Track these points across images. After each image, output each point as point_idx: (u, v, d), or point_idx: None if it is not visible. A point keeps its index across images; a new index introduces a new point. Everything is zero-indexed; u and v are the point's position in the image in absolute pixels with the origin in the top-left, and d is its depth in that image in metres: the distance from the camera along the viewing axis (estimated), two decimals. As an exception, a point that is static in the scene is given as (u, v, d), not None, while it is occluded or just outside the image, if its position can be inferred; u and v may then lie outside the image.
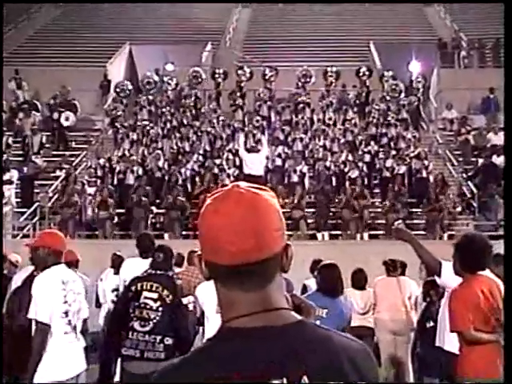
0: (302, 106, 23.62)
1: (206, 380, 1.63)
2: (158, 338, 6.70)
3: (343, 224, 18.59)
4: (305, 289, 10.30)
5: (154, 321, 6.74)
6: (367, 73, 24.81)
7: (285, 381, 1.64)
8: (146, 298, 6.81)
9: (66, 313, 5.87)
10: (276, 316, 1.71)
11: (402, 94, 24.03)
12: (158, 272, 6.98)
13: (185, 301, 6.87)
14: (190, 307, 6.97)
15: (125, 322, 6.81)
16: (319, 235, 18.61)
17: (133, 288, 6.92)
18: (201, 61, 28.42)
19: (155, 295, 6.80)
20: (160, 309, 6.76)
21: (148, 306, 6.77)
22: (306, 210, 18.77)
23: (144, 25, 33.13)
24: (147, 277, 7.00)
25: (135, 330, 6.75)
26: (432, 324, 8.25)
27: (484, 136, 22.77)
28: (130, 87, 24.79)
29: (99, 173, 20.35)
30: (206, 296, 7.14)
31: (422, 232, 18.03)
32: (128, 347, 6.74)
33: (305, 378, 1.65)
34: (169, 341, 6.69)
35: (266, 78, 24.77)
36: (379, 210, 19.39)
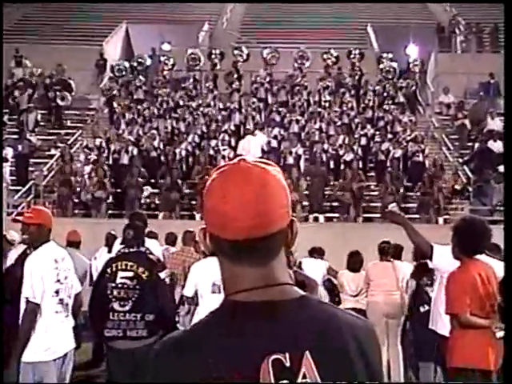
0: (298, 88, 23.54)
1: (202, 373, 1.61)
2: (139, 315, 6.69)
3: (343, 207, 18.57)
4: (300, 267, 10.32)
5: (133, 299, 6.72)
6: (358, 56, 24.70)
7: (287, 356, 1.63)
8: (122, 277, 6.78)
9: (58, 291, 5.87)
10: (279, 291, 1.70)
11: (397, 76, 23.95)
12: (132, 250, 6.95)
13: (162, 275, 6.84)
14: (168, 281, 6.94)
15: (104, 305, 6.80)
16: (314, 217, 18.62)
17: (108, 270, 6.89)
18: (198, 41, 28.30)
19: (131, 274, 6.78)
20: (137, 287, 6.74)
21: (125, 286, 6.75)
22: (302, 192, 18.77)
23: (141, 4, 32.95)
24: (121, 256, 6.96)
25: (115, 311, 6.74)
26: (427, 308, 8.27)
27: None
28: (127, 66, 24.67)
29: (94, 152, 20.30)
30: (201, 275, 7.13)
31: (417, 215, 18.06)
32: (110, 328, 6.74)
33: (307, 354, 1.64)
34: (149, 317, 6.68)
35: (267, 60, 24.60)
36: (375, 193, 19.41)
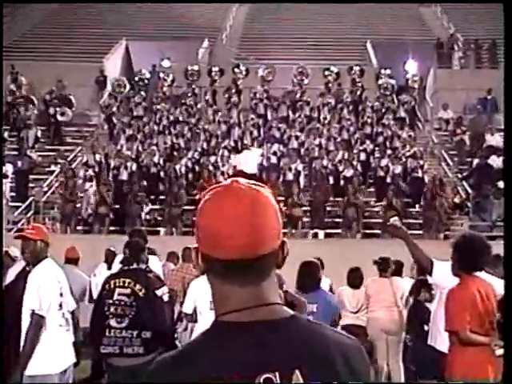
0: (300, 103, 23.62)
1: (201, 380, 1.64)
2: (135, 332, 6.70)
3: (346, 223, 18.51)
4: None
5: (130, 316, 6.75)
6: (358, 72, 24.83)
7: (277, 375, 1.65)
8: (119, 294, 6.83)
9: (61, 305, 5.92)
10: (269, 311, 1.73)
11: (395, 92, 24.03)
12: (131, 267, 7.01)
13: (159, 292, 6.85)
14: (165, 298, 6.94)
15: (102, 321, 6.83)
16: (314, 233, 18.60)
17: (107, 286, 6.96)
18: (197, 57, 28.39)
19: (128, 291, 6.82)
20: (134, 304, 6.77)
21: (122, 303, 6.79)
22: (303, 208, 18.78)
23: (141, 21, 33.08)
24: (120, 273, 7.06)
25: (112, 328, 6.77)
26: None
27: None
28: (126, 82, 24.74)
29: (95, 168, 20.30)
30: (200, 292, 7.12)
31: (418, 231, 18.05)
32: (106, 345, 6.76)
33: (297, 373, 1.66)
34: (146, 334, 6.69)
35: (264, 76, 24.71)
36: (375, 209, 19.41)
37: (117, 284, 6.88)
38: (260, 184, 1.80)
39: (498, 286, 5.51)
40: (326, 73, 24.66)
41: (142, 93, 24.52)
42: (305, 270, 7.75)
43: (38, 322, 5.71)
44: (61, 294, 5.96)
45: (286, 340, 1.69)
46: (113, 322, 6.78)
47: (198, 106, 24.24)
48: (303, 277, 7.70)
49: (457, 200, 19.20)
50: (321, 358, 1.69)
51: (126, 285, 6.85)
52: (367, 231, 18.74)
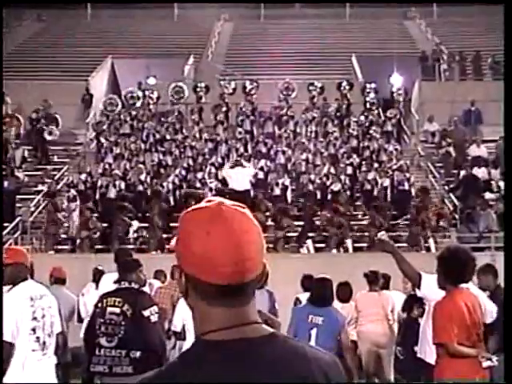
0: (285, 118, 23.69)
1: None
2: (124, 352, 6.71)
3: (333, 238, 18.50)
4: (297, 302, 10.32)
5: (119, 335, 6.77)
6: (347, 87, 24.98)
7: None
8: (110, 313, 6.86)
9: (34, 329, 5.81)
10: (252, 329, 1.76)
11: (380, 105, 24.12)
12: (123, 286, 7.02)
13: (146, 313, 6.83)
14: (153, 319, 6.90)
15: (93, 340, 6.84)
16: (304, 249, 18.57)
17: (99, 305, 7.00)
18: (183, 74, 28.43)
19: (118, 310, 6.85)
20: (123, 323, 6.79)
21: (113, 321, 6.81)
22: (292, 222, 18.78)
23: (126, 39, 33.16)
24: (112, 292, 7.09)
25: (102, 346, 6.79)
26: None
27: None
28: (119, 102, 24.68)
29: (81, 187, 20.25)
30: (188, 310, 7.10)
31: (405, 244, 18.07)
32: (95, 363, 6.77)
33: None
34: (135, 354, 6.69)
35: (247, 91, 24.83)
36: (363, 222, 19.42)
37: (108, 303, 6.92)
38: (242, 205, 1.82)
39: (483, 298, 5.54)
40: (311, 88, 24.80)
41: (133, 111, 24.51)
42: (321, 285, 7.89)
43: (5, 348, 5.64)
44: (34, 318, 5.84)
45: (266, 356, 1.72)
46: (103, 341, 6.79)
47: (184, 123, 24.27)
48: (320, 291, 7.82)
49: (443, 212, 19.24)
50: (299, 374, 1.72)
51: (116, 304, 6.87)
52: (356, 245, 18.74)
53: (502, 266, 6.87)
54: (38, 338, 5.82)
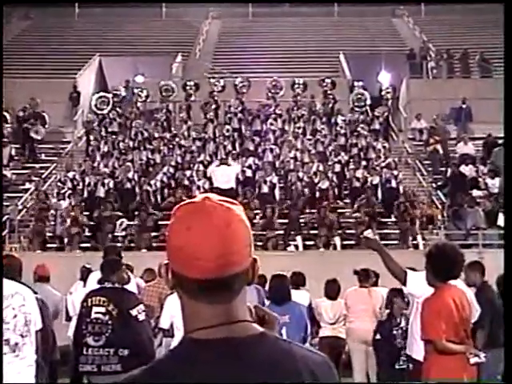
0: (273, 116, 23.67)
1: None
2: (112, 350, 6.71)
3: (323, 234, 18.49)
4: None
5: (107, 334, 6.77)
6: (330, 84, 24.91)
7: None
8: (96, 312, 6.85)
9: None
10: (239, 328, 1.73)
11: (368, 103, 24.13)
12: (108, 285, 7.01)
13: (134, 312, 6.82)
14: (141, 317, 6.88)
15: (81, 339, 6.84)
16: (292, 247, 18.56)
17: (85, 304, 6.98)
18: (171, 72, 28.38)
19: (103, 309, 6.84)
20: (109, 322, 6.78)
21: (99, 321, 6.81)
22: (279, 220, 18.79)
23: (114, 37, 33.07)
24: (97, 291, 7.07)
25: (89, 346, 6.78)
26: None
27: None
28: (111, 100, 24.57)
29: (69, 185, 20.21)
30: (177, 307, 7.08)
31: (393, 241, 18.11)
32: (84, 363, 6.75)
33: None
34: (124, 352, 6.69)
35: (238, 88, 24.76)
36: (351, 220, 19.44)
37: (93, 302, 6.90)
38: (232, 201, 1.80)
39: (471, 294, 5.57)
40: (295, 86, 24.74)
41: (117, 109, 24.42)
42: (275, 283, 7.98)
43: None
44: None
45: (255, 357, 1.70)
46: (90, 341, 6.77)
47: (172, 121, 24.24)
48: (275, 289, 7.93)
49: (430, 212, 19.30)
50: (288, 375, 1.70)
51: (102, 303, 6.86)
52: (344, 242, 18.76)
53: (489, 263, 6.93)
54: (6, 340, 5.63)
